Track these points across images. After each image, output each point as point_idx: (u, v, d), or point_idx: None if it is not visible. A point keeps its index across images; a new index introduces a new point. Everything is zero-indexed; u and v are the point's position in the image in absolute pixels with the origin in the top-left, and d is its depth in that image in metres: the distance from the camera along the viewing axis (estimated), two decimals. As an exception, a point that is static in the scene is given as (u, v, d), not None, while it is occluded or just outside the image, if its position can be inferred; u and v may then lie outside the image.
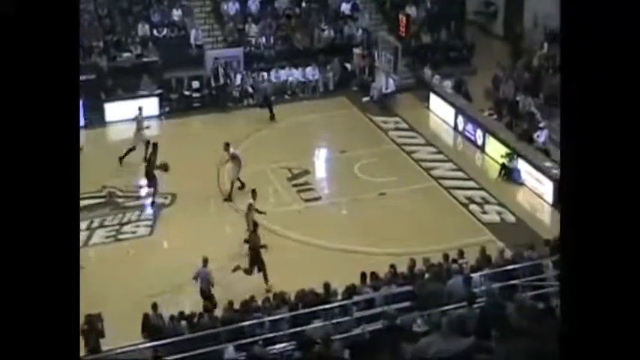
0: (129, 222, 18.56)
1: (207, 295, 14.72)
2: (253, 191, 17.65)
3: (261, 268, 15.90)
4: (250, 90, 25.56)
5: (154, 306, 13.30)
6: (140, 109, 22.05)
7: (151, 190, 19.44)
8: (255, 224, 16.47)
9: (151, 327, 12.91)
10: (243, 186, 19.65)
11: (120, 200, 19.41)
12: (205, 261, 15.11)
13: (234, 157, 19.54)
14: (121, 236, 18.01)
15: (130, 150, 21.05)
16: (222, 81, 25.28)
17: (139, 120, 21.64)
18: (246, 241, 16.45)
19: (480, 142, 22.44)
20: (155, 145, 19.52)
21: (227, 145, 19.74)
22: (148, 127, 21.62)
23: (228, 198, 19.44)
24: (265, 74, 26.19)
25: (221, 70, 25.30)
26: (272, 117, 24.13)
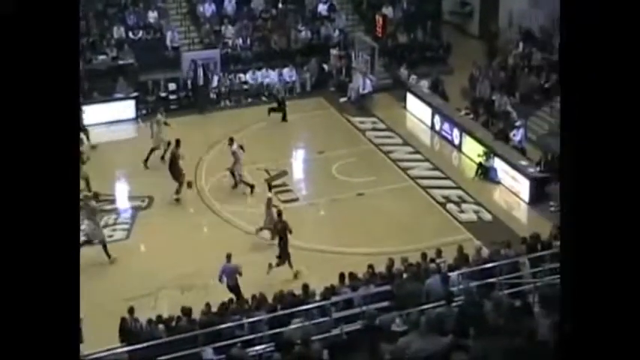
0: (106, 225, 18.41)
1: (237, 291, 14.73)
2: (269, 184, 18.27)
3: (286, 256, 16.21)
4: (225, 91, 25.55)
5: (131, 310, 13.22)
6: (161, 110, 22.18)
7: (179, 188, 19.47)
8: (280, 213, 16.79)
9: (128, 331, 12.82)
10: (236, 185, 19.92)
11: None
12: (228, 257, 15.23)
13: (234, 153, 19.73)
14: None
15: (153, 150, 21.08)
16: (200, 82, 25.14)
17: (158, 121, 21.57)
18: (274, 233, 16.83)
19: (456, 141, 22.54)
20: (178, 141, 19.58)
21: (231, 140, 20.08)
22: (167, 125, 21.67)
23: (251, 189, 19.77)
24: (242, 75, 26.15)
25: (200, 72, 25.17)
26: (284, 117, 24.30)
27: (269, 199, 17.61)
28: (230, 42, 26.85)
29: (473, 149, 21.63)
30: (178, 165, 19.37)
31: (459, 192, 20.05)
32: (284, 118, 24.22)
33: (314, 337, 10.30)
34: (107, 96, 24.47)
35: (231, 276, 15.05)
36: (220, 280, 15.11)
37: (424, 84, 25.23)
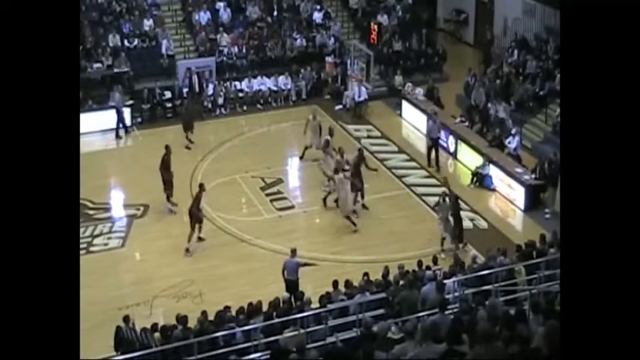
0: (100, 234, 18.38)
1: (295, 287, 14.59)
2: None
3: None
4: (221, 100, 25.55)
5: (126, 318, 13.18)
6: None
7: None
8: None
9: (123, 339, 12.77)
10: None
11: (91, 212, 19.21)
12: (293, 251, 15.33)
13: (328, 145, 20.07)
14: (92, 248, 17.82)
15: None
16: (196, 90, 25.11)
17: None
18: None
19: (452, 148, 22.55)
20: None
21: (331, 131, 20.65)
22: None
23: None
24: (238, 83, 26.17)
25: (195, 79, 25.14)
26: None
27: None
28: (225, 50, 26.86)
29: (468, 156, 21.65)
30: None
31: (455, 199, 20.04)
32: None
33: (309, 345, 10.28)
34: (102, 104, 24.42)
35: (292, 271, 15.06)
36: (283, 274, 15.13)
37: (419, 91, 25.26)
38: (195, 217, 17.55)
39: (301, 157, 22.00)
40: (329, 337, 11.47)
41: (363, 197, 19.58)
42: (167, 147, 19.40)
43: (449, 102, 25.27)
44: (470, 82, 25.37)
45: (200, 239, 17.78)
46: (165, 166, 19.20)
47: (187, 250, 17.46)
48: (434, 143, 21.82)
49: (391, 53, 27.93)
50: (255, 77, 26.32)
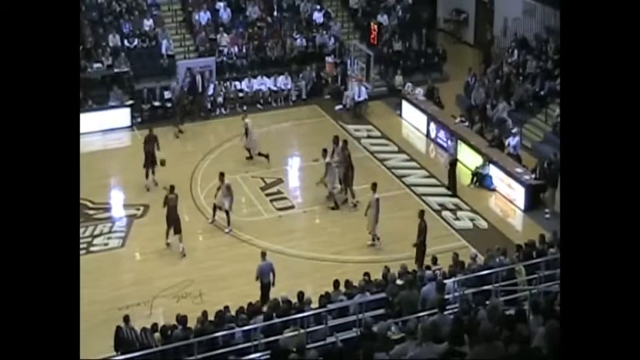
0: (100, 234, 18.38)
1: (268, 290, 14.71)
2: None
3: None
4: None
5: (126, 318, 13.19)
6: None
7: None
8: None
9: (123, 340, 12.78)
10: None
11: (91, 212, 19.21)
12: (263, 254, 15.40)
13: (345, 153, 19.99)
14: (92, 248, 17.82)
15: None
16: (199, 90, 25.09)
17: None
18: None
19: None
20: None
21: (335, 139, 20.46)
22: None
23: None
24: (238, 83, 26.16)
25: (198, 78, 25.10)
26: None
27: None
28: (225, 50, 26.86)
29: (468, 157, 21.65)
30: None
31: (455, 199, 20.06)
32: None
33: (309, 345, 10.28)
34: (102, 104, 24.42)
35: (267, 273, 15.09)
36: (257, 279, 15.15)
37: (419, 91, 25.27)
38: (176, 221, 17.49)
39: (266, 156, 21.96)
40: (329, 337, 11.46)
41: (354, 196, 19.53)
42: (150, 130, 20.74)
43: (449, 102, 25.28)
44: (470, 82, 25.38)
45: (168, 245, 17.68)
46: (148, 145, 20.27)
47: (183, 254, 17.43)
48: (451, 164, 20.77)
49: (391, 53, 27.93)
50: (255, 77, 26.32)
